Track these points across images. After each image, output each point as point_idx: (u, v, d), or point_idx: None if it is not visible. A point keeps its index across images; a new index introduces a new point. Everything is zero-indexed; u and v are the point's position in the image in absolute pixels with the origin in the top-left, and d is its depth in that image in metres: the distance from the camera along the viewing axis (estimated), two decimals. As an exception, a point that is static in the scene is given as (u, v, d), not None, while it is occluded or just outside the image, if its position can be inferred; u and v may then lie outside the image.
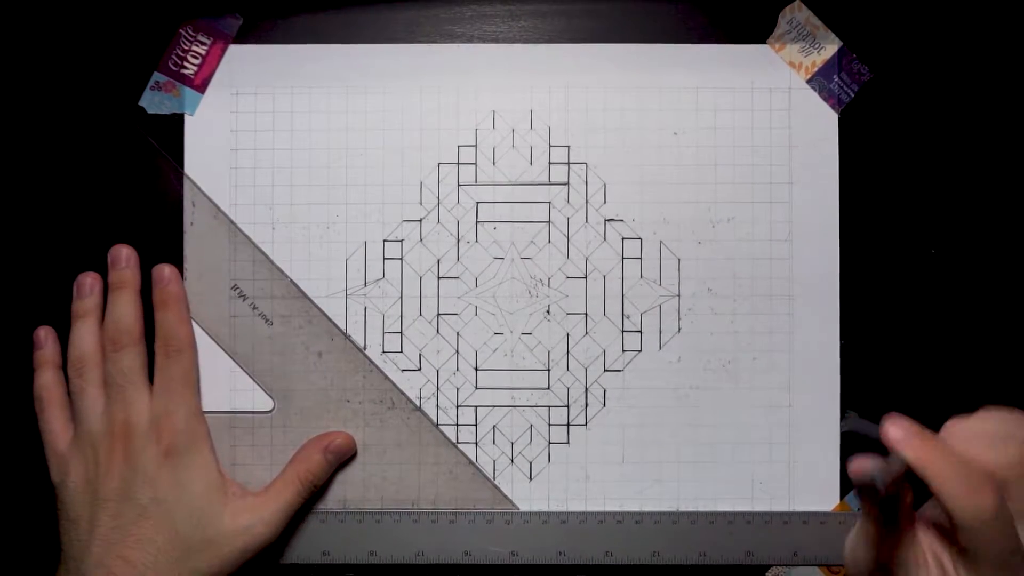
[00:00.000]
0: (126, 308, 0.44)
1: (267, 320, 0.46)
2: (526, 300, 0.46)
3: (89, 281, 0.45)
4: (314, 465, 0.44)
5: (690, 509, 0.45)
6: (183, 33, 0.46)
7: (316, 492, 0.45)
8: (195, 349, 0.45)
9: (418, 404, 0.46)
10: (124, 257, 0.45)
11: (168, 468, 0.41)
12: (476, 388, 0.46)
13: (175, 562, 0.40)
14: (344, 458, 0.45)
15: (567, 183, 0.46)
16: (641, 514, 0.45)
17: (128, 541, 0.40)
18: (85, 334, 0.44)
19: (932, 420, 0.46)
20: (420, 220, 0.46)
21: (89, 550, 0.40)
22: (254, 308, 0.46)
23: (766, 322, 0.46)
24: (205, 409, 0.45)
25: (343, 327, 0.46)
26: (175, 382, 0.43)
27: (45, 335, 0.45)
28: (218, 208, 0.46)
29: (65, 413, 0.44)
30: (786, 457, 0.46)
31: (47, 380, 0.44)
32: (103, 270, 0.46)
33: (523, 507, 0.46)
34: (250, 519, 0.42)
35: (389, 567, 0.45)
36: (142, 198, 0.46)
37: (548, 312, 0.46)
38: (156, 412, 0.42)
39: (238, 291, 0.46)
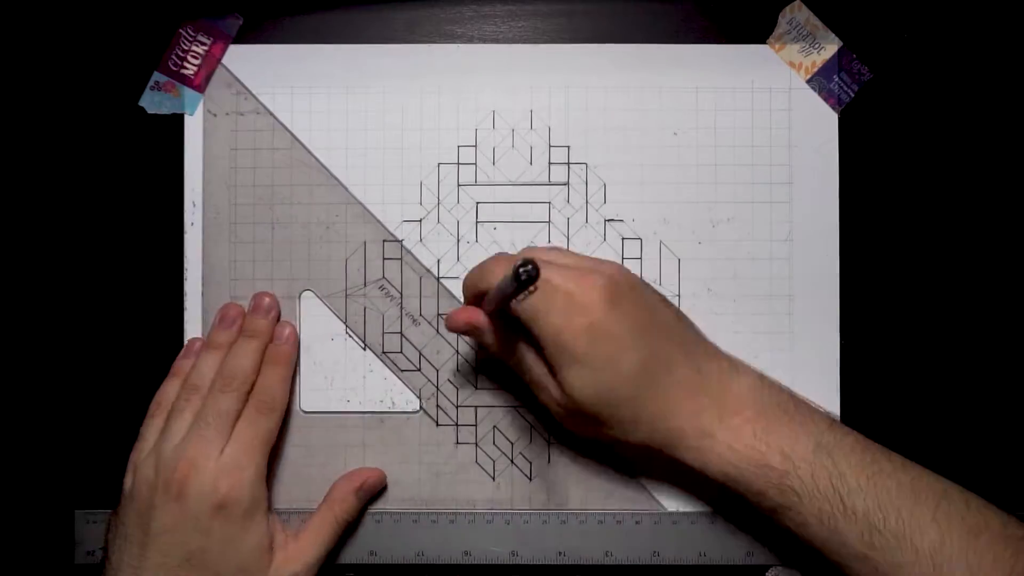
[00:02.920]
0: (248, 357, 0.44)
1: (414, 320, 0.46)
2: (526, 300, 0.46)
3: (233, 314, 0.45)
4: (349, 506, 0.44)
5: (690, 509, 0.45)
6: (183, 33, 0.46)
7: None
8: (282, 414, 0.44)
9: (418, 404, 0.46)
10: (266, 306, 0.45)
11: (219, 521, 0.40)
12: (476, 388, 0.46)
13: None
14: (374, 493, 0.45)
15: (567, 183, 0.46)
16: (641, 514, 0.45)
17: None
18: (209, 365, 0.44)
19: (932, 420, 0.46)
20: (420, 220, 0.46)
21: None
22: (401, 307, 0.46)
23: (766, 322, 0.46)
24: (352, 410, 0.44)
25: (343, 327, 0.46)
26: (255, 439, 0.42)
27: (199, 348, 0.45)
28: (218, 208, 0.46)
29: (162, 429, 0.43)
30: (786, 457, 0.46)
31: (171, 391, 0.44)
32: (103, 270, 0.46)
33: (523, 507, 0.46)
34: (293, 568, 0.42)
35: (389, 567, 0.45)
36: (142, 198, 0.46)
37: (548, 312, 0.46)
38: (226, 462, 0.41)
39: (385, 291, 0.46)
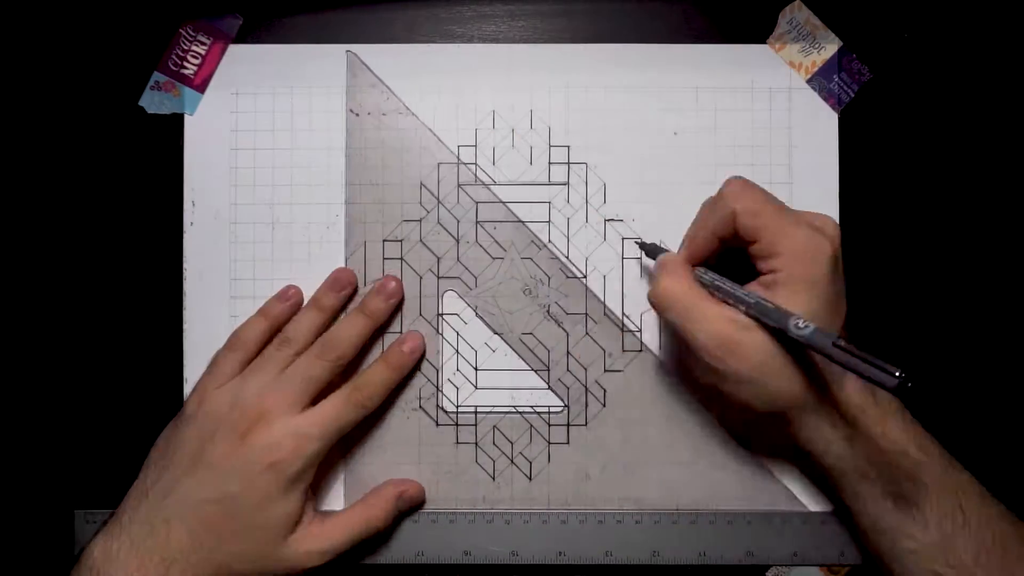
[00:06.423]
0: (356, 336, 0.44)
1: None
2: (526, 300, 0.46)
3: (344, 280, 0.45)
4: (383, 511, 0.44)
5: (690, 509, 0.45)
6: (183, 33, 0.46)
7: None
8: (369, 414, 0.44)
9: (418, 404, 0.46)
10: (390, 291, 0.45)
11: (266, 477, 0.41)
12: (476, 388, 0.46)
13: (226, 556, 0.40)
14: (412, 505, 0.45)
15: (567, 183, 0.46)
16: (641, 514, 0.45)
17: (198, 514, 0.40)
18: (310, 323, 0.44)
19: (932, 420, 0.46)
20: (420, 220, 0.46)
21: (164, 502, 0.40)
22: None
23: (766, 322, 0.46)
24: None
25: (343, 327, 0.46)
26: (334, 423, 0.42)
27: (292, 294, 0.45)
28: (218, 208, 0.46)
29: (241, 366, 0.43)
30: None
31: (254, 331, 0.44)
32: (102, 270, 0.46)
33: (523, 507, 0.46)
34: (310, 546, 0.42)
35: (389, 567, 0.45)
36: (142, 198, 0.46)
37: (548, 312, 0.46)
38: (296, 426, 0.41)
39: (527, 291, 0.46)
